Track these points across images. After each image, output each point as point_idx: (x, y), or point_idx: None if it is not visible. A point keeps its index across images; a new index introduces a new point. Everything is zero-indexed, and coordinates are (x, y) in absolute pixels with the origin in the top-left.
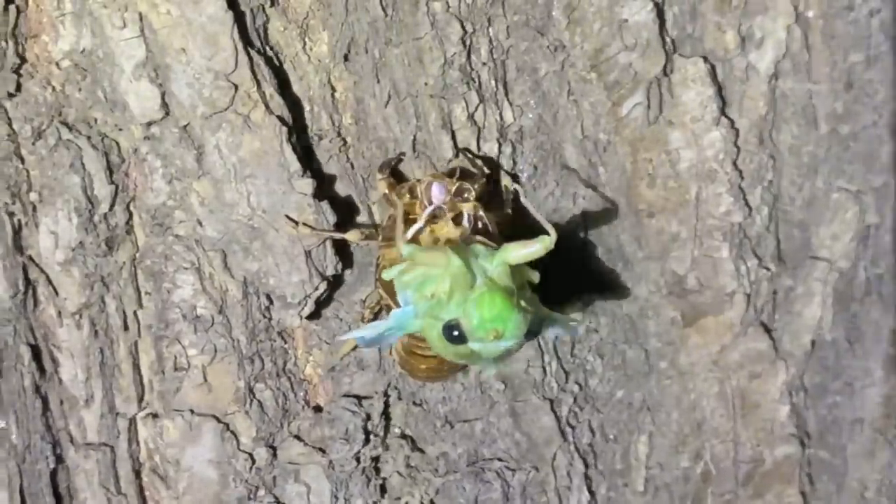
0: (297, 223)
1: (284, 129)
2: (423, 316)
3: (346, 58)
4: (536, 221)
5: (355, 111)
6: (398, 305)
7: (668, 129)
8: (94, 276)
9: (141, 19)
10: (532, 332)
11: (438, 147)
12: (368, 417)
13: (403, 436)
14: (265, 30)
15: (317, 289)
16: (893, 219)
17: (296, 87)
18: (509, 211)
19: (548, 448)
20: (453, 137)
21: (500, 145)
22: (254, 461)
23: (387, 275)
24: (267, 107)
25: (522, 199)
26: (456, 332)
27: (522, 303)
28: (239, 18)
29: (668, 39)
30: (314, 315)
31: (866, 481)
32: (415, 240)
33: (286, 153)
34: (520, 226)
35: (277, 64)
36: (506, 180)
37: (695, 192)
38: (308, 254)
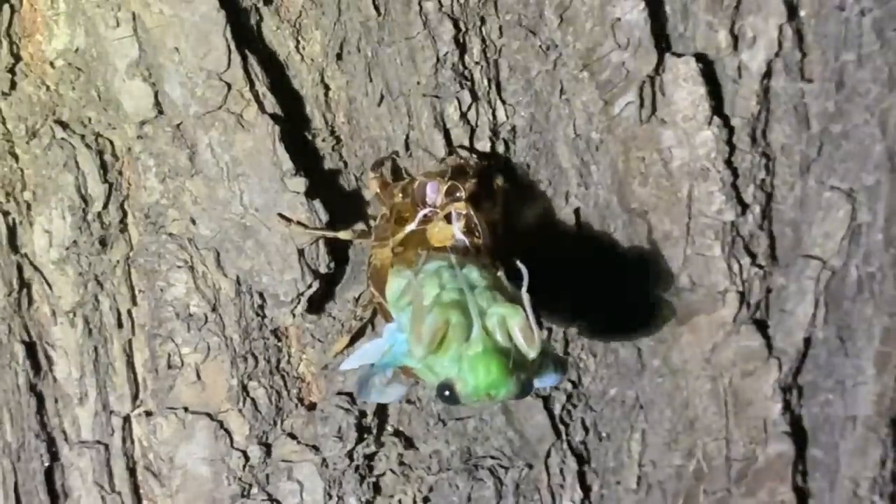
0: (289, 221)
1: (277, 127)
2: (415, 358)
3: (338, 57)
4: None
5: (348, 110)
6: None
7: (660, 127)
8: (88, 274)
9: (134, 19)
10: (524, 393)
11: (431, 146)
12: (362, 415)
13: (397, 433)
14: (258, 29)
15: (309, 287)
16: (885, 217)
17: (289, 87)
18: (500, 209)
19: (541, 446)
20: (446, 136)
21: (492, 144)
22: (247, 459)
23: (391, 308)
24: (260, 105)
25: (524, 292)
26: (448, 393)
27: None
28: (231, 17)
29: (660, 38)
30: (309, 312)
31: (858, 479)
32: (407, 240)
33: (279, 152)
34: (510, 224)
35: (271, 63)
36: (498, 179)
37: (687, 191)
38: (301, 252)
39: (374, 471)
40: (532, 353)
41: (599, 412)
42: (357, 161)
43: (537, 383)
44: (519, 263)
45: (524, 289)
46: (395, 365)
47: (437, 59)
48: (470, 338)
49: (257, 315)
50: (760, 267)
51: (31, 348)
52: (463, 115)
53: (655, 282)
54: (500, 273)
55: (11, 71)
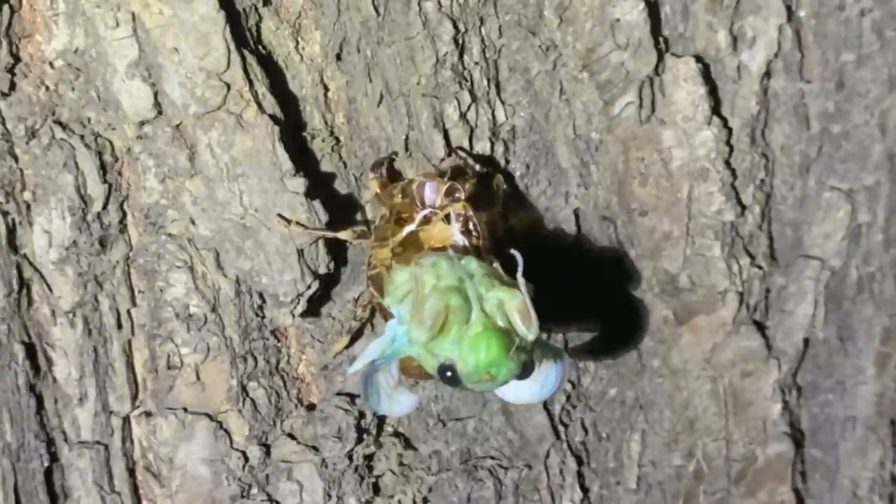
0: (289, 222)
1: (276, 128)
2: (416, 344)
3: (338, 57)
4: (529, 217)
5: (347, 110)
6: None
7: (659, 128)
8: (88, 274)
9: (133, 19)
10: (525, 374)
11: (431, 146)
12: (361, 415)
13: (396, 434)
14: (258, 29)
15: (309, 287)
16: (885, 217)
17: (288, 87)
18: (500, 210)
19: (540, 446)
20: (445, 136)
21: (492, 144)
22: (247, 459)
23: (389, 300)
24: (259, 106)
25: (519, 276)
26: (450, 374)
27: (516, 343)
28: (231, 18)
29: (659, 39)
30: (311, 313)
31: (858, 479)
32: (407, 241)
33: (278, 152)
34: (510, 225)
35: (270, 63)
36: (498, 180)
37: (687, 191)
38: (300, 252)
39: (374, 471)
40: (530, 336)
41: (599, 412)
42: (357, 161)
43: (540, 387)
44: (513, 251)
45: (519, 273)
46: (398, 356)
47: (437, 60)
48: (469, 320)
49: (257, 315)
50: (760, 267)
51: (30, 349)
52: (462, 116)
53: (655, 282)
54: (497, 265)
55: (11, 71)
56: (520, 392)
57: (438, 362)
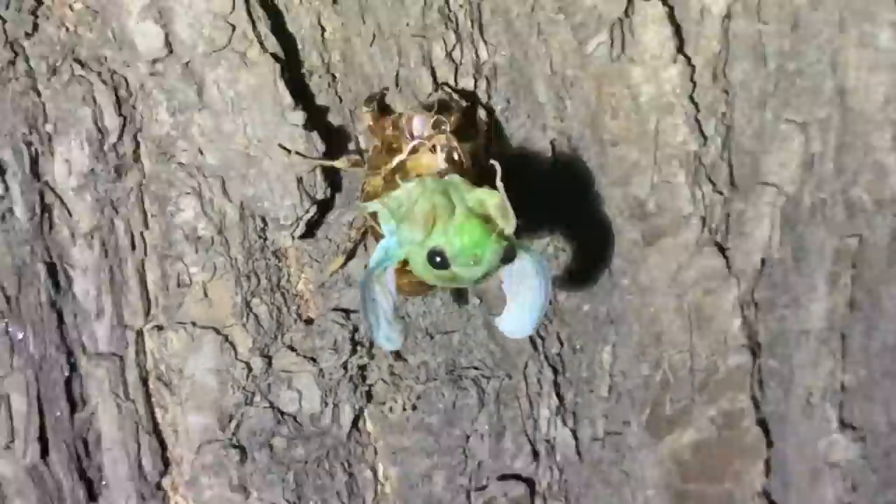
0: (289, 151)
1: (278, 65)
2: (407, 244)
3: (334, 1)
4: (509, 147)
5: (343, 49)
6: (380, 227)
7: (629, 65)
8: (105, 200)
9: None
10: (507, 259)
11: (419, 82)
12: (355, 329)
13: None
14: None
15: (307, 211)
16: (835, 147)
17: (288, 28)
18: (482, 141)
19: (520, 357)
20: (433, 73)
21: (475, 81)
22: (250, 370)
23: (367, 208)
24: (262, 45)
25: (498, 181)
26: (439, 258)
27: (497, 232)
28: None
29: None
30: (307, 235)
31: (811, 388)
32: (397, 169)
33: (279, 88)
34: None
35: (271, 6)
36: (481, 113)
37: (654, 124)
38: (299, 180)
39: (367, 380)
40: (508, 229)
41: (573, 327)
42: (351, 96)
43: (528, 315)
44: (493, 161)
45: (498, 178)
46: (393, 260)
47: (425, 3)
48: (454, 214)
49: (259, 237)
50: (721, 193)
51: (52, 268)
52: (448, 54)
53: (625, 207)
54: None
55: (34, 13)
56: (512, 325)
57: (428, 250)
